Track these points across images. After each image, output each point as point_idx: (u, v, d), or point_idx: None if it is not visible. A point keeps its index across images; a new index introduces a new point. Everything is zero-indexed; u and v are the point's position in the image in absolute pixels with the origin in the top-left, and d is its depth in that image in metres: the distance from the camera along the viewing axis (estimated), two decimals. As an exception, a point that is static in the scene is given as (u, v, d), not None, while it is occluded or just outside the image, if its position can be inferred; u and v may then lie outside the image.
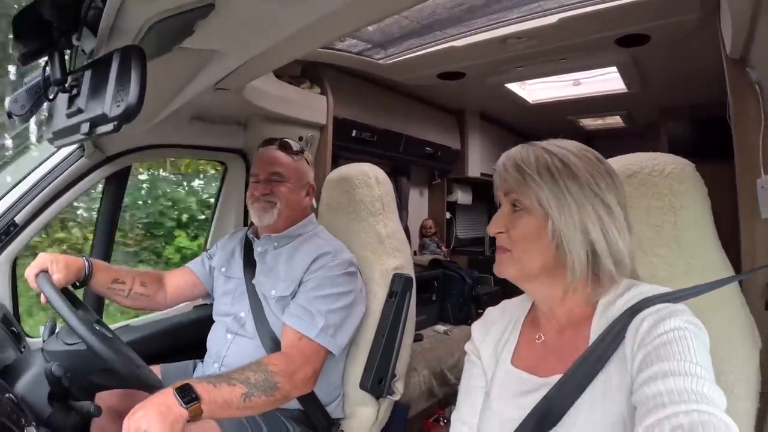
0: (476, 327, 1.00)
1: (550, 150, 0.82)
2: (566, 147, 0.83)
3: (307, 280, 1.35)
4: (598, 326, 0.78)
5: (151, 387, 1.08)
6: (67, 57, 0.83)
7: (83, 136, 0.70)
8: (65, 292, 1.21)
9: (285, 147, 1.49)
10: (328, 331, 1.28)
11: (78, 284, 1.32)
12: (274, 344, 1.35)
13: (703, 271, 0.95)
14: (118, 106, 0.61)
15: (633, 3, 1.62)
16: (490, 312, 1.01)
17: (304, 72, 2.25)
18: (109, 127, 0.64)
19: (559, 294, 0.83)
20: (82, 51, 0.77)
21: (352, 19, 1.06)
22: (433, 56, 2.20)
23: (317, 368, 1.27)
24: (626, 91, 2.79)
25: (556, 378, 0.77)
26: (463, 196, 3.93)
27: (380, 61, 2.31)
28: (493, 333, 0.95)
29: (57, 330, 1.12)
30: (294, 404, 1.33)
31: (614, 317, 0.76)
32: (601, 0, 1.65)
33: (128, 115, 0.60)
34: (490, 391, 0.90)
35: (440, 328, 2.80)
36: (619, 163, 1.02)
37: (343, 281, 1.35)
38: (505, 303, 1.00)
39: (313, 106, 2.17)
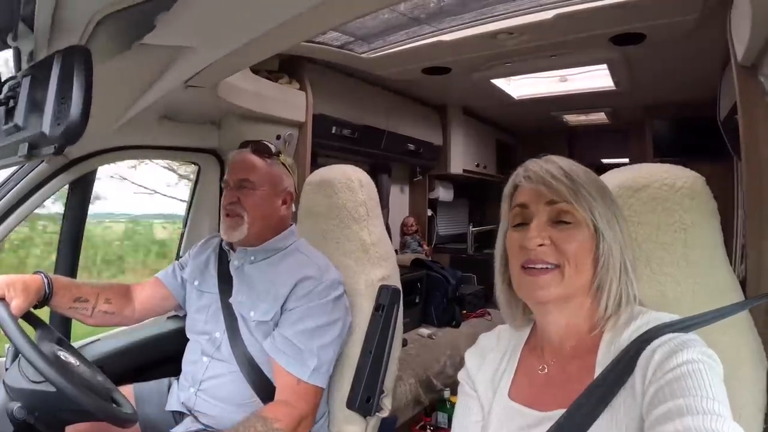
0: (470, 355, 0.94)
1: (585, 168, 0.80)
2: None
3: (291, 308, 1.25)
4: (604, 357, 0.74)
5: (124, 421, 1.03)
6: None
7: (22, 159, 0.58)
8: (26, 315, 1.12)
9: (258, 150, 1.38)
10: (322, 369, 1.21)
11: (38, 305, 1.18)
12: (251, 367, 1.27)
13: (712, 292, 0.93)
14: (59, 124, 0.49)
15: (632, 1, 1.56)
16: (484, 338, 0.96)
17: (282, 66, 2.12)
18: (50, 149, 0.52)
19: (580, 320, 0.79)
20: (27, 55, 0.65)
21: (335, 13, 0.95)
22: (419, 50, 2.09)
23: (316, 406, 1.24)
24: (614, 88, 2.75)
25: (558, 413, 0.72)
26: (444, 193, 3.85)
27: (363, 55, 2.19)
28: (489, 362, 0.90)
29: (19, 356, 1.02)
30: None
31: (621, 347, 0.72)
32: (599, -4, 1.59)
33: (70, 136, 0.49)
34: (487, 426, 0.84)
35: (424, 331, 2.73)
36: (627, 174, 0.99)
37: (332, 308, 1.26)
38: (500, 329, 0.95)
39: (292, 102, 2.05)
